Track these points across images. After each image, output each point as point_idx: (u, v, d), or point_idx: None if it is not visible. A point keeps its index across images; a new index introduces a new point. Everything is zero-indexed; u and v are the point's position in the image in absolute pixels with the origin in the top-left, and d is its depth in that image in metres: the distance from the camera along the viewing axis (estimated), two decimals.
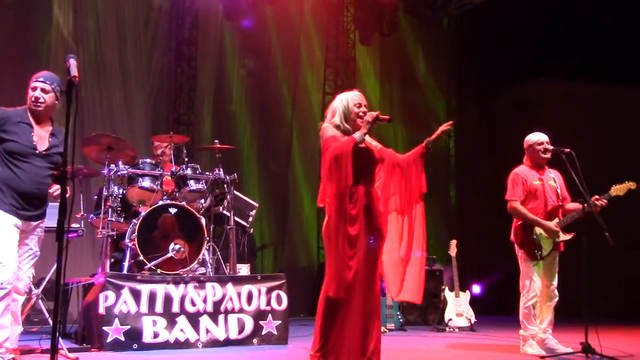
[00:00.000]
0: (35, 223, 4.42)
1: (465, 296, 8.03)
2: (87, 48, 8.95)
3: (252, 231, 7.34)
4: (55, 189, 4.27)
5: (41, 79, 4.37)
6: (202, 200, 6.50)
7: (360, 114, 4.08)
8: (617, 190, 5.38)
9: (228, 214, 6.52)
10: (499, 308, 9.06)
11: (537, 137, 5.61)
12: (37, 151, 4.32)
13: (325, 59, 11.13)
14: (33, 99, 4.33)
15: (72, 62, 3.37)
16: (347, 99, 4.13)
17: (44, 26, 8.76)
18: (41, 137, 4.37)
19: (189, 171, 6.29)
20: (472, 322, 7.83)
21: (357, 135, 3.95)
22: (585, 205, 5.26)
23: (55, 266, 3.92)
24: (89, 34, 9.07)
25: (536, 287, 5.39)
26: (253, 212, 7.12)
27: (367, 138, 4.10)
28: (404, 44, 11.78)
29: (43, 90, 4.35)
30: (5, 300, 4.17)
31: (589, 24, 10.02)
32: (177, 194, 6.27)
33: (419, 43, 11.96)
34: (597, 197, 5.30)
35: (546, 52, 10.60)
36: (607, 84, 10.50)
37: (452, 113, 12.21)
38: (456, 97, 12.28)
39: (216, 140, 6.77)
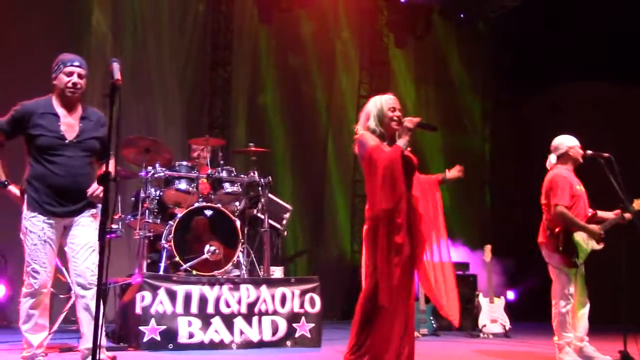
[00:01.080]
0: (77, 218, 4.17)
1: (500, 302, 7.95)
2: (123, 51, 9.09)
3: (285, 234, 7.37)
4: (94, 190, 4.09)
5: (77, 63, 4.13)
6: (237, 203, 6.56)
7: (395, 118, 4.05)
8: (638, 204, 5.30)
9: (262, 216, 6.56)
10: (534, 314, 8.93)
11: (575, 141, 5.51)
12: (67, 140, 4.09)
13: (360, 61, 11.14)
14: (70, 84, 4.09)
15: (116, 66, 3.40)
16: (381, 103, 4.12)
17: (84, 29, 8.92)
18: (70, 125, 4.13)
19: (224, 174, 6.36)
20: (507, 328, 7.75)
21: (402, 143, 3.92)
22: (624, 210, 5.18)
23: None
24: (126, 37, 9.23)
25: (571, 295, 5.30)
26: (287, 215, 7.15)
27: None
28: (438, 47, 11.73)
29: (80, 75, 4.12)
30: (41, 304, 4.14)
31: (624, 27, 9.84)
32: (212, 197, 6.34)
33: (454, 45, 11.88)
34: (621, 210, 5.24)
35: (577, 55, 10.44)
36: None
37: (487, 115, 12.13)
38: (491, 99, 12.18)
39: (251, 144, 6.83)
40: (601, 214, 5.43)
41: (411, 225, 3.96)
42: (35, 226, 4.06)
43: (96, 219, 4.19)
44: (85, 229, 4.15)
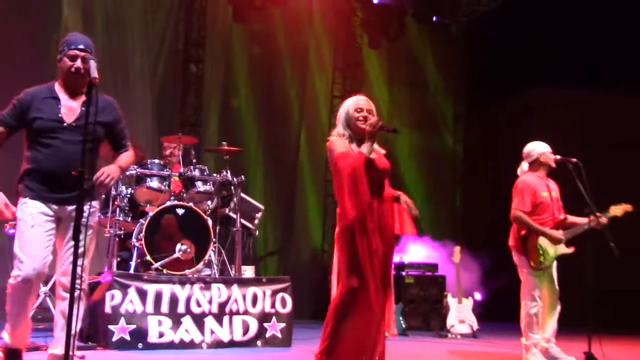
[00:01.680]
0: (71, 207, 3.81)
1: (468, 303, 8.05)
2: (93, 47, 8.95)
3: (257, 233, 7.37)
4: (99, 175, 3.82)
5: (81, 46, 3.87)
6: (209, 202, 6.54)
7: (360, 118, 4.06)
8: (615, 210, 5.44)
9: (234, 216, 6.56)
10: (501, 315, 9.07)
11: (546, 147, 5.62)
12: (65, 124, 3.84)
13: (334, 62, 11.16)
14: (73, 69, 3.85)
15: (93, 64, 3.36)
16: (348, 105, 4.14)
17: (51, 26, 8.78)
18: (70, 108, 3.90)
19: (196, 172, 6.34)
20: (475, 328, 7.86)
21: (364, 149, 3.96)
22: (592, 217, 5.29)
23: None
24: (96, 33, 9.10)
25: (538, 296, 5.41)
26: (259, 215, 7.17)
27: (375, 146, 4.10)
28: (412, 49, 11.81)
29: (84, 59, 3.84)
30: (24, 297, 3.81)
31: (594, 32, 10.04)
32: (184, 195, 6.32)
33: (427, 48, 11.98)
34: (599, 214, 5.34)
35: (549, 59, 10.63)
36: (610, 91, 10.52)
37: (459, 117, 12.26)
38: (464, 101, 12.32)
39: (224, 142, 6.81)
40: (572, 219, 5.55)
41: (382, 228, 4.01)
42: (24, 213, 3.80)
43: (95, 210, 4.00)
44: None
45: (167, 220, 5.96)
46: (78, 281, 3.56)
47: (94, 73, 3.31)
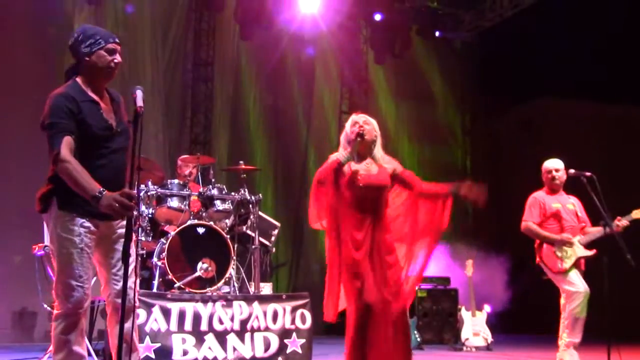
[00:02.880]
0: (116, 222, 3.52)
1: (482, 315, 8.12)
2: None
3: (274, 250, 7.45)
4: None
5: (117, 40, 3.56)
6: (227, 220, 6.62)
7: (360, 131, 4.12)
8: (638, 213, 5.54)
9: (252, 233, 6.64)
10: (515, 327, 9.16)
11: (548, 165, 5.80)
12: (114, 129, 3.50)
13: (341, 78, 11.31)
14: (113, 64, 3.50)
15: (139, 94, 3.22)
16: (348, 123, 4.25)
17: (64, 43, 8.87)
18: (108, 112, 3.53)
19: (215, 191, 6.42)
20: (489, 341, 7.92)
21: (339, 155, 4.08)
22: (606, 226, 5.39)
23: None
24: None
25: (579, 289, 5.46)
26: (275, 232, 7.25)
27: (384, 162, 4.18)
28: (417, 64, 11.96)
29: (120, 54, 3.56)
30: (76, 327, 3.43)
31: (596, 44, 10.20)
32: (203, 214, 6.39)
33: (432, 62, 12.14)
34: (619, 217, 5.45)
35: (552, 71, 10.78)
36: (612, 103, 10.68)
37: (467, 129, 12.39)
38: (470, 114, 12.46)
39: (241, 162, 6.90)
40: (590, 229, 5.71)
41: (375, 241, 4.05)
42: (70, 231, 3.37)
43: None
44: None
45: (189, 239, 6.03)
46: (119, 300, 3.28)
47: (140, 102, 3.21)
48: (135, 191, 3.29)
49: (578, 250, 5.55)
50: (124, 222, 3.37)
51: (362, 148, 4.14)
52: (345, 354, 4.09)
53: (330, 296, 4.06)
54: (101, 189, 3.26)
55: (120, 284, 3.39)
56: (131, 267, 3.38)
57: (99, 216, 3.40)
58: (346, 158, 4.03)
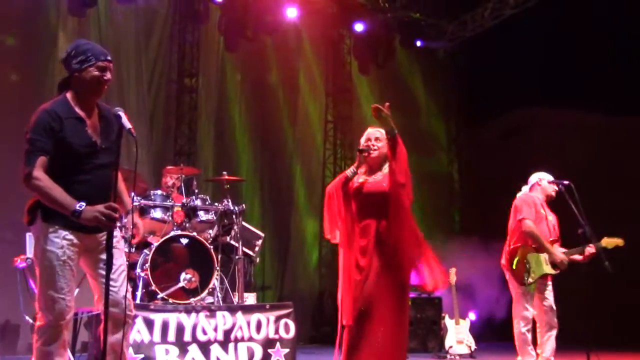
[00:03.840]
0: (100, 234, 3.54)
1: (465, 323, 8.17)
2: None
3: (257, 261, 7.48)
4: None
5: (109, 58, 3.59)
6: (210, 231, 6.65)
7: (364, 147, 4.28)
8: (607, 242, 5.60)
9: (236, 244, 6.66)
10: (499, 336, 9.21)
11: (547, 176, 5.82)
12: (98, 147, 3.54)
13: (326, 88, 11.38)
14: (103, 81, 3.54)
15: (123, 116, 3.39)
16: (363, 136, 4.36)
17: (48, 56, 8.88)
18: (95, 128, 3.57)
19: (198, 202, 6.45)
20: (473, 349, 7.97)
21: (348, 170, 4.28)
22: (585, 235, 5.44)
23: None
24: None
25: (528, 314, 5.52)
26: (259, 242, 7.28)
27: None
28: (401, 73, 12.07)
29: (111, 71, 3.60)
30: (58, 339, 3.46)
31: (580, 53, 10.33)
32: (186, 225, 6.42)
33: (415, 72, 12.25)
34: (591, 245, 5.51)
35: (537, 81, 10.91)
36: (593, 111, 10.82)
37: (452, 138, 12.49)
38: (455, 123, 12.57)
39: (224, 172, 6.93)
40: (560, 249, 5.72)
41: (381, 248, 4.11)
42: (53, 243, 3.43)
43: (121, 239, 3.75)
44: (117, 251, 3.54)
45: (172, 250, 6.06)
46: (115, 310, 3.45)
47: (129, 124, 3.37)
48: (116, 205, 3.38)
49: (545, 268, 5.55)
50: (113, 232, 3.43)
51: (371, 162, 4.27)
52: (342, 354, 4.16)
53: (346, 300, 4.13)
54: (80, 204, 3.32)
55: (115, 293, 3.46)
56: (123, 276, 3.56)
57: (82, 229, 3.44)
58: (352, 172, 4.23)
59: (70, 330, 3.69)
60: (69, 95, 3.56)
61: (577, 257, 5.57)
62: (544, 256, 5.56)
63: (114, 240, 3.42)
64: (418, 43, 12.02)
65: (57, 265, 3.43)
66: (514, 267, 5.60)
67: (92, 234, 3.50)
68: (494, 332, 9.46)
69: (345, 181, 4.21)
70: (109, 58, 3.57)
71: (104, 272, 3.42)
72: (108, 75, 3.55)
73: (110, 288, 3.36)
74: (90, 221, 3.30)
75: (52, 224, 3.45)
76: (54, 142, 3.42)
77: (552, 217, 5.78)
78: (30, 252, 5.16)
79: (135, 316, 3.73)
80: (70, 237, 3.46)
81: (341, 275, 4.22)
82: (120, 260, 3.57)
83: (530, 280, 5.51)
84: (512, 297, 5.68)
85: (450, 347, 7.97)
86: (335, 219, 4.23)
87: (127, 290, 3.55)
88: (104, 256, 3.45)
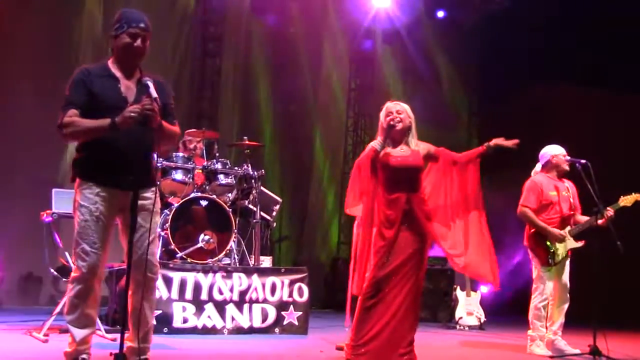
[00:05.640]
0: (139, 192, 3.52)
1: (476, 296, 8.28)
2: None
3: (274, 225, 7.62)
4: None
5: (143, 25, 3.63)
6: (229, 194, 6.79)
7: (389, 122, 4.38)
8: (625, 201, 5.66)
9: (254, 208, 6.81)
10: (510, 309, 9.34)
11: (560, 150, 5.85)
12: (129, 103, 3.60)
13: (350, 55, 11.36)
14: (133, 48, 3.62)
15: (150, 84, 3.48)
16: (382, 111, 4.44)
17: (75, 11, 8.95)
18: (129, 87, 3.68)
19: (219, 166, 6.58)
20: (482, 321, 8.09)
21: (375, 143, 4.35)
22: (599, 214, 5.51)
23: None
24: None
25: (547, 291, 5.67)
26: (277, 207, 7.41)
27: (413, 144, 4.41)
28: (426, 45, 11.96)
29: (144, 39, 3.64)
30: (90, 293, 3.61)
31: (605, 30, 10.19)
32: (207, 187, 6.56)
33: (440, 43, 12.12)
34: (608, 208, 5.56)
35: (559, 58, 10.80)
36: (620, 91, 10.71)
37: (474, 113, 12.45)
38: (478, 97, 12.51)
39: (245, 137, 7.04)
40: (580, 217, 5.80)
41: (411, 220, 4.28)
42: (87, 199, 3.57)
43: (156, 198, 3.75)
44: (146, 214, 3.62)
45: (192, 211, 6.22)
46: (153, 273, 3.69)
47: (155, 93, 3.46)
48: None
49: (568, 243, 5.66)
50: (145, 194, 3.64)
51: (396, 135, 4.39)
52: (352, 324, 4.34)
53: (359, 272, 4.28)
54: (111, 119, 3.47)
55: (137, 255, 3.54)
56: (150, 239, 3.65)
57: (117, 186, 3.59)
58: (381, 146, 4.32)
59: (100, 285, 3.77)
60: (111, 59, 3.74)
61: (599, 222, 5.57)
62: (565, 231, 5.66)
63: (148, 202, 3.61)
64: (441, 13, 11.90)
65: (90, 219, 3.57)
66: (535, 249, 5.75)
67: (126, 190, 3.53)
68: (505, 305, 9.56)
69: (374, 155, 4.30)
70: (141, 25, 3.62)
71: (126, 229, 3.54)
72: (138, 42, 3.61)
73: (133, 249, 3.46)
74: (131, 119, 3.43)
75: (87, 180, 3.60)
76: (86, 97, 3.58)
77: (566, 191, 5.83)
78: (55, 207, 5.35)
79: (155, 280, 3.76)
80: (104, 193, 3.60)
81: (358, 249, 4.33)
82: (147, 224, 3.62)
83: (556, 260, 5.64)
84: (531, 273, 5.82)
85: (460, 318, 8.09)
86: (362, 192, 4.35)
87: (146, 253, 3.62)
88: (138, 217, 3.51)
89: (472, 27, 12.42)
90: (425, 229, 4.32)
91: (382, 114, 4.47)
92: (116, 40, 3.67)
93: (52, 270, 5.72)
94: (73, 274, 3.64)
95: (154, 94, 3.46)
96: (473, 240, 4.43)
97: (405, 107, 4.48)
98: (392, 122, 4.34)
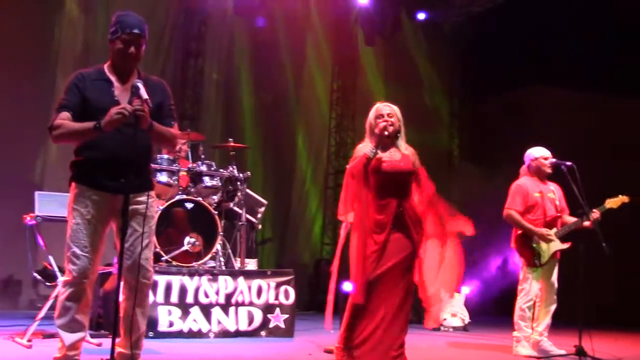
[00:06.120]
0: (131, 196, 3.51)
1: (460, 297, 8.31)
2: (94, 37, 9.00)
3: (259, 227, 7.58)
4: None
5: (137, 31, 3.59)
6: (214, 196, 6.73)
7: (380, 124, 4.32)
8: (612, 203, 5.70)
9: (239, 210, 6.76)
10: (495, 310, 9.38)
11: (542, 152, 5.88)
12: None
13: (332, 57, 11.37)
14: (126, 55, 3.60)
15: (140, 86, 3.42)
16: (370, 113, 4.41)
17: (55, 12, 8.83)
18: (122, 91, 3.65)
19: (204, 168, 6.52)
20: (466, 322, 8.11)
21: (367, 150, 4.26)
22: (584, 216, 5.55)
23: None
24: (98, 23, 9.12)
25: (532, 292, 5.70)
26: (262, 209, 7.36)
27: (403, 148, 4.38)
28: (407, 46, 12.02)
29: (138, 45, 3.62)
30: (80, 297, 3.57)
31: (585, 32, 10.29)
32: (191, 189, 6.50)
33: (421, 45, 12.19)
34: (594, 210, 5.60)
35: (540, 59, 10.90)
36: (600, 92, 10.82)
37: (454, 114, 12.51)
38: (458, 98, 12.58)
39: (230, 139, 6.99)
40: (567, 218, 5.84)
41: (401, 224, 4.25)
42: (79, 202, 3.55)
43: (153, 201, 3.76)
44: (139, 216, 3.58)
45: (177, 213, 6.15)
46: (129, 275, 3.59)
47: (145, 95, 3.43)
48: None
49: (554, 245, 5.69)
50: (139, 198, 3.61)
51: (387, 139, 4.33)
52: (342, 327, 4.30)
53: (358, 280, 4.20)
54: (96, 121, 3.45)
55: (129, 260, 3.56)
56: (144, 244, 3.61)
57: (109, 189, 3.56)
58: (373, 153, 4.23)
59: (93, 289, 3.75)
60: (107, 63, 3.72)
61: (585, 224, 5.60)
62: (551, 232, 5.70)
63: (142, 206, 3.58)
64: (422, 15, 11.95)
65: (82, 223, 3.54)
66: (521, 251, 5.78)
67: (117, 194, 3.51)
68: (490, 306, 9.60)
69: (366, 162, 4.23)
70: (135, 31, 3.58)
71: (126, 237, 3.47)
72: (131, 49, 3.59)
73: (127, 253, 3.49)
74: (116, 121, 3.40)
75: (80, 184, 3.59)
76: (79, 100, 3.58)
77: (552, 193, 5.87)
78: (39, 210, 5.26)
79: (148, 285, 3.75)
80: (95, 197, 3.57)
81: (353, 256, 4.26)
82: (141, 228, 3.56)
83: (542, 261, 5.67)
84: (518, 274, 5.86)
85: (444, 319, 8.10)
86: (354, 200, 4.30)
87: (139, 258, 3.60)
88: (131, 221, 3.54)
89: (453, 28, 12.52)
90: (414, 235, 4.30)
91: (371, 115, 4.41)
92: (111, 45, 3.66)
93: (34, 273, 5.62)
94: (65, 278, 3.60)
95: (144, 95, 3.43)
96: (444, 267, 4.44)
97: (395, 109, 4.43)
98: (385, 131, 4.27)
